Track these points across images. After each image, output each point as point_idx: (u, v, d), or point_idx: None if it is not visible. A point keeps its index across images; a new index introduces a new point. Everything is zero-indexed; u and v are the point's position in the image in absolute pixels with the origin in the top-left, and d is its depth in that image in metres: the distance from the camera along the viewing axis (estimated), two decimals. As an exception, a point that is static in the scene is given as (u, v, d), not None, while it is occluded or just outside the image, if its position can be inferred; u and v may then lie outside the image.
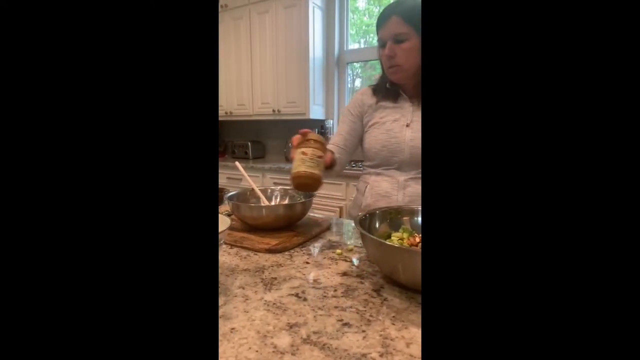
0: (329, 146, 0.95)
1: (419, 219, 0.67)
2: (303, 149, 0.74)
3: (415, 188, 0.87)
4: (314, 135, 0.75)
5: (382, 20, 0.82)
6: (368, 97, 0.95)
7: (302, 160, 0.72)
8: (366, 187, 0.96)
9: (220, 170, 2.72)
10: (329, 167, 0.86)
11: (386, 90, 0.91)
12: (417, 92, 0.88)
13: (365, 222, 0.63)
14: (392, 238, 0.63)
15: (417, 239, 0.61)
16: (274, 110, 2.63)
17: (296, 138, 0.76)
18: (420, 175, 0.87)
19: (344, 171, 1.96)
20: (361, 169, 2.03)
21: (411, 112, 0.88)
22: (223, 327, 0.42)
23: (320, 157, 0.74)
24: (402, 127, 0.88)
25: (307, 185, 0.73)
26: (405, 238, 0.62)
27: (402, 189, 0.88)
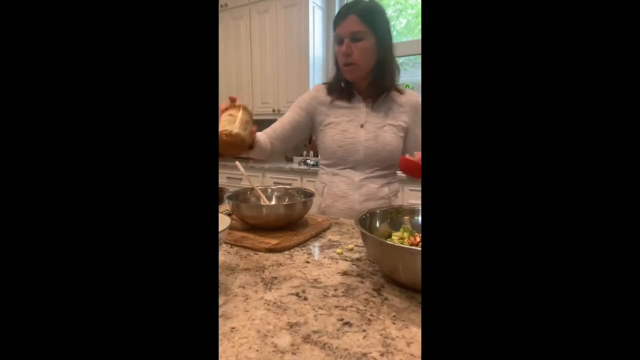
0: (266, 130, 0.97)
1: (419, 218, 0.67)
2: (231, 112, 0.74)
3: (370, 187, 0.92)
4: (243, 103, 0.77)
5: (340, 18, 0.83)
6: (322, 94, 0.96)
7: (229, 122, 0.73)
8: (324, 187, 0.99)
9: (220, 170, 2.72)
10: (251, 144, 0.84)
11: (340, 89, 0.93)
12: (370, 92, 0.91)
13: (365, 222, 0.63)
14: (393, 237, 0.63)
15: (418, 239, 0.61)
16: (273, 110, 2.62)
17: (224, 104, 0.78)
18: (374, 175, 0.92)
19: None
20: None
21: (365, 113, 0.92)
22: (223, 326, 0.42)
23: (247, 122, 0.75)
24: (357, 127, 0.92)
25: (231, 145, 0.73)
26: (406, 237, 0.62)
27: (358, 189, 0.92)
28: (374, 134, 0.90)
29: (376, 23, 0.82)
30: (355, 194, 0.93)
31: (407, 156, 0.75)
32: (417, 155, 0.75)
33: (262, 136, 0.92)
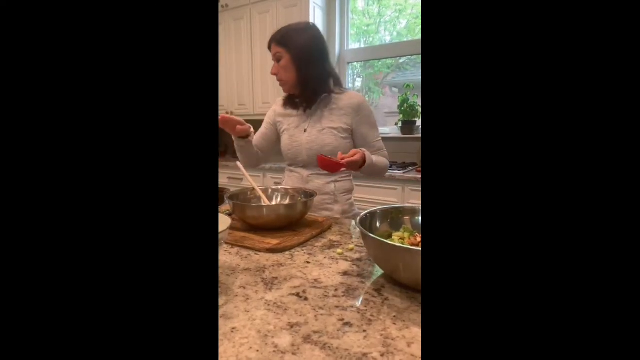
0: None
1: (420, 218, 0.67)
2: None
3: (316, 182, 1.06)
4: None
5: (269, 47, 1.03)
6: (279, 107, 1.15)
7: None
8: (283, 182, 1.18)
9: (221, 170, 2.72)
10: (245, 136, 1.04)
11: (288, 100, 1.11)
12: (306, 100, 1.05)
13: (366, 222, 0.63)
14: (393, 237, 0.63)
15: (418, 239, 0.61)
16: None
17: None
18: (320, 172, 1.05)
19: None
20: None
21: (306, 119, 1.07)
22: (224, 326, 0.42)
23: None
24: (301, 132, 1.07)
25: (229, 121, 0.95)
26: (406, 237, 0.62)
27: (306, 184, 1.07)
28: (314, 137, 1.04)
29: (289, 43, 0.99)
30: (305, 187, 1.06)
31: (322, 155, 0.88)
32: (339, 155, 0.88)
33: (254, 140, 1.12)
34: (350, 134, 1.04)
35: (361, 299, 0.49)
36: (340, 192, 1.07)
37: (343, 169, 0.90)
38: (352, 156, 0.86)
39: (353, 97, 1.04)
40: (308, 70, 1.00)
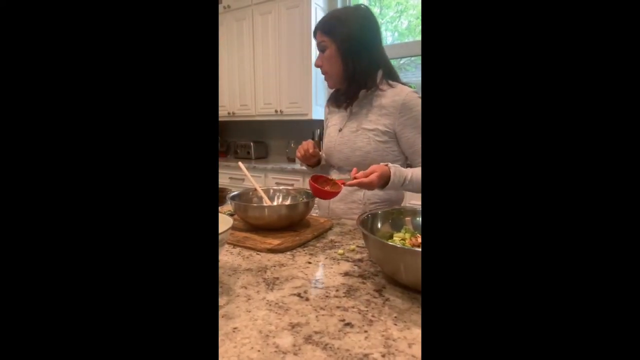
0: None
1: (421, 219, 0.67)
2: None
3: (344, 189, 0.89)
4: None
5: (314, 35, 0.92)
6: (327, 105, 1.05)
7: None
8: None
9: (222, 171, 2.73)
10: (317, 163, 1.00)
11: (333, 95, 1.00)
12: (349, 96, 0.91)
13: (367, 223, 0.63)
14: (394, 238, 0.63)
15: (419, 240, 0.61)
16: (276, 111, 2.63)
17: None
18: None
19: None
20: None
21: (346, 118, 0.94)
22: (225, 326, 0.42)
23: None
24: (336, 132, 0.95)
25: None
26: (407, 238, 0.62)
27: None
28: (347, 138, 0.91)
29: (334, 31, 0.86)
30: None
31: (312, 181, 0.80)
32: (353, 171, 0.76)
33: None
34: (392, 137, 0.87)
35: (362, 299, 0.49)
36: (370, 202, 0.91)
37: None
38: (366, 176, 0.73)
39: (399, 93, 0.85)
40: (355, 62, 0.86)
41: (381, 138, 0.87)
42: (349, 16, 0.86)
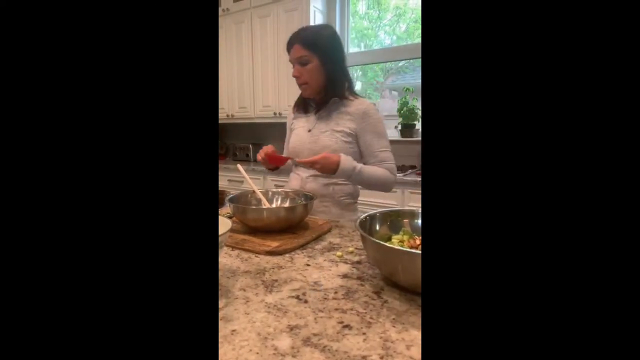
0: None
1: (419, 221, 0.68)
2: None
3: (313, 185, 1.06)
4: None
5: (289, 47, 1.02)
6: (292, 111, 1.19)
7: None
8: (288, 182, 1.20)
9: (221, 173, 2.72)
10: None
11: (302, 103, 1.12)
12: (320, 105, 1.07)
13: (365, 224, 0.63)
14: (393, 240, 0.63)
15: (417, 241, 0.61)
16: (275, 113, 2.63)
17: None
18: (319, 174, 1.04)
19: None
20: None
21: (314, 121, 1.08)
22: (224, 329, 0.42)
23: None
24: (305, 132, 1.08)
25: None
26: (406, 240, 0.62)
27: (304, 185, 1.07)
28: (316, 137, 1.04)
29: (318, 46, 0.98)
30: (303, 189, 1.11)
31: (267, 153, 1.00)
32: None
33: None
34: (355, 139, 1.03)
35: (360, 301, 0.49)
36: (339, 196, 1.06)
37: (289, 161, 1.01)
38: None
39: (362, 103, 1.03)
40: (334, 75, 1.01)
41: (346, 139, 1.03)
42: (323, 33, 1.01)
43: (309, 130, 1.07)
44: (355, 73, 2.73)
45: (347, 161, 0.93)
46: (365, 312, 0.46)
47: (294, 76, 1.03)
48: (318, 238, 0.78)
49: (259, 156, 1.05)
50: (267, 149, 1.05)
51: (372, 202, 1.99)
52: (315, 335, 0.41)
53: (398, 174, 1.93)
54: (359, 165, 0.95)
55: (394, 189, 1.93)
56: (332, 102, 1.04)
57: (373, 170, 0.97)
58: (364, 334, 0.41)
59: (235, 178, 2.65)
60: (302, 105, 1.11)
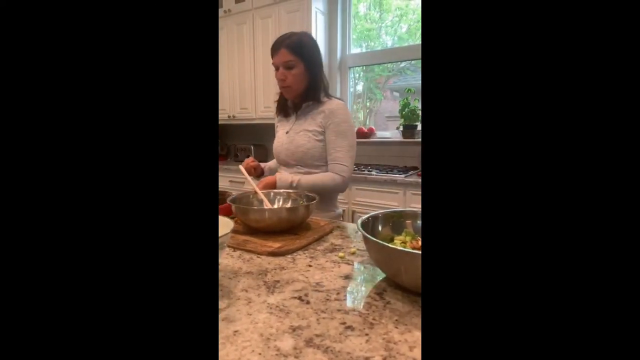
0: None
1: (421, 222, 0.67)
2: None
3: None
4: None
5: (274, 51, 1.07)
6: (276, 115, 1.26)
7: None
8: None
9: (223, 174, 2.73)
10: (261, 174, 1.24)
11: (282, 108, 1.21)
12: (297, 107, 1.14)
13: (367, 225, 0.63)
14: (395, 241, 0.63)
15: (420, 242, 0.61)
16: (276, 114, 2.64)
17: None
18: (297, 171, 1.11)
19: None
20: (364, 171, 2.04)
21: (293, 122, 1.15)
22: (226, 329, 0.42)
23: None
24: (284, 134, 1.15)
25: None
26: (408, 241, 0.62)
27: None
28: (292, 138, 1.11)
29: (303, 52, 1.04)
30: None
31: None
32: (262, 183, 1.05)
33: (271, 163, 1.28)
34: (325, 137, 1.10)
35: (363, 302, 0.49)
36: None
37: (268, 165, 1.20)
38: (263, 183, 1.04)
39: (332, 103, 1.09)
40: (316, 80, 1.08)
41: (318, 137, 1.09)
42: (307, 40, 1.07)
43: (287, 132, 1.15)
44: (357, 74, 2.74)
45: (282, 179, 1.05)
46: (368, 313, 0.46)
47: (278, 79, 1.09)
48: (320, 239, 0.78)
49: (242, 167, 1.13)
50: (248, 161, 1.16)
51: (373, 203, 1.99)
52: (317, 336, 0.41)
53: (399, 175, 1.93)
54: (296, 179, 1.04)
55: (395, 190, 1.93)
56: (307, 105, 1.12)
57: (313, 179, 1.05)
58: (366, 335, 0.41)
59: (237, 179, 2.66)
60: (282, 110, 1.20)
